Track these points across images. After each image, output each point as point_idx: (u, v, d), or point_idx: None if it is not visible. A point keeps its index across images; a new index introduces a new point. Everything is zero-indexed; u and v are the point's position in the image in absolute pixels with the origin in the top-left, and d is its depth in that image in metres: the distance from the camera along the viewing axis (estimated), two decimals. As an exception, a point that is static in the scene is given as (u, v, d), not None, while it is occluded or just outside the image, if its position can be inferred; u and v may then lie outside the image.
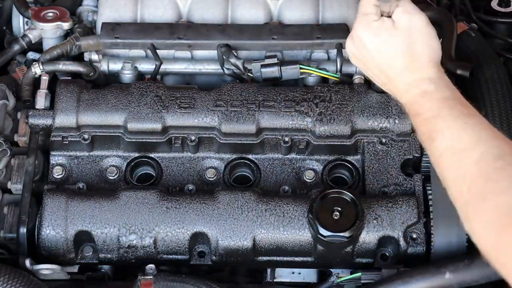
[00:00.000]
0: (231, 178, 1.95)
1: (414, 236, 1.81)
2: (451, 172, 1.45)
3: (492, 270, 1.72)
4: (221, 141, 1.93)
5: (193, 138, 1.93)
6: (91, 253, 1.86)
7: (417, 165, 1.93)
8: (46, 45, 2.15)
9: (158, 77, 2.09)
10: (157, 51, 2.05)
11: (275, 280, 1.87)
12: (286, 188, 1.92)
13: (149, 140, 1.94)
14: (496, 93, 1.95)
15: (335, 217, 1.76)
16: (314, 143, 1.92)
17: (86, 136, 1.93)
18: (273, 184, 1.94)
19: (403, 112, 1.92)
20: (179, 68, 2.11)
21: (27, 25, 2.26)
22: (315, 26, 2.08)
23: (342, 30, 2.06)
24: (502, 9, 2.31)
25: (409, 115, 1.63)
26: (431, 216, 1.82)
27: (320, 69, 2.04)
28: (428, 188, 1.85)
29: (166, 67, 2.09)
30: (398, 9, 1.67)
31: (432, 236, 1.81)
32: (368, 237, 1.81)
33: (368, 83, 1.99)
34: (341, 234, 1.75)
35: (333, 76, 2.03)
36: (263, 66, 2.02)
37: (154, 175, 1.95)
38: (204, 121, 1.93)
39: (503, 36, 2.26)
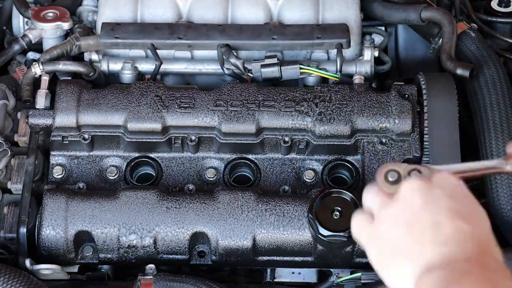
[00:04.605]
0: (231, 178, 1.94)
1: (414, 236, 1.81)
2: None
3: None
4: (221, 141, 1.93)
5: (193, 138, 1.93)
6: (91, 253, 1.86)
7: (417, 165, 1.93)
8: (46, 45, 2.15)
9: (158, 77, 2.09)
10: (157, 51, 2.05)
11: (275, 280, 1.87)
12: (286, 188, 1.92)
13: (149, 140, 1.94)
14: (496, 93, 1.95)
15: (335, 217, 1.76)
16: (314, 143, 1.92)
17: (86, 136, 1.93)
18: (273, 184, 1.94)
19: (403, 112, 1.92)
20: (179, 68, 2.11)
21: (27, 25, 2.26)
22: (315, 26, 2.08)
23: (342, 30, 2.06)
24: (502, 9, 2.31)
25: None
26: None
27: (320, 69, 2.05)
28: (428, 188, 1.85)
29: (166, 67, 2.09)
30: None
31: (432, 236, 1.81)
32: (368, 237, 1.81)
33: (368, 83, 2.00)
34: (341, 234, 1.75)
35: (333, 76, 2.03)
36: (263, 66, 2.02)
37: (154, 175, 1.95)
38: (204, 121, 1.93)
39: (503, 36, 2.26)
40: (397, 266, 1.17)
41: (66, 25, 2.15)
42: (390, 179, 1.25)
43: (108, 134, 1.94)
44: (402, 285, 1.16)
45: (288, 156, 1.95)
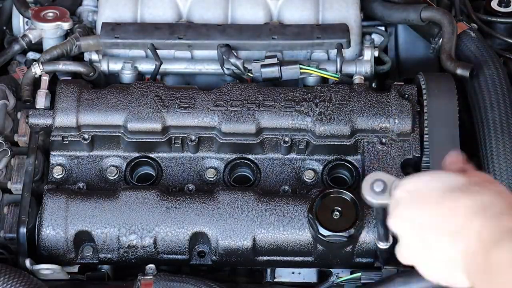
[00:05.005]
0: (231, 178, 1.95)
1: (414, 236, 1.81)
2: None
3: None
4: (221, 141, 1.93)
5: (193, 138, 1.93)
6: (91, 253, 1.86)
7: (417, 165, 1.93)
8: (46, 45, 2.15)
9: (158, 77, 2.09)
10: (157, 51, 2.05)
11: (275, 280, 1.87)
12: (286, 188, 1.92)
13: (149, 140, 1.94)
14: (496, 93, 1.95)
15: (335, 217, 1.76)
16: (314, 143, 1.92)
17: (86, 136, 1.93)
18: (273, 184, 1.94)
19: (403, 112, 1.92)
20: (179, 68, 2.11)
21: (27, 25, 2.26)
22: (315, 26, 2.08)
23: (342, 30, 2.06)
24: (502, 9, 2.31)
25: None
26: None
27: (320, 69, 2.05)
28: (428, 188, 1.85)
29: (166, 67, 2.09)
30: None
31: (432, 236, 1.81)
32: (368, 237, 1.81)
33: (368, 83, 2.00)
34: (341, 233, 1.75)
35: (333, 76, 2.04)
36: (263, 66, 2.02)
37: (154, 175, 1.95)
38: (204, 121, 1.93)
39: (503, 36, 2.26)
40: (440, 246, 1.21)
41: (66, 25, 2.15)
42: (377, 189, 1.34)
43: (108, 134, 1.94)
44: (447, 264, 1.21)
45: (288, 156, 1.95)
